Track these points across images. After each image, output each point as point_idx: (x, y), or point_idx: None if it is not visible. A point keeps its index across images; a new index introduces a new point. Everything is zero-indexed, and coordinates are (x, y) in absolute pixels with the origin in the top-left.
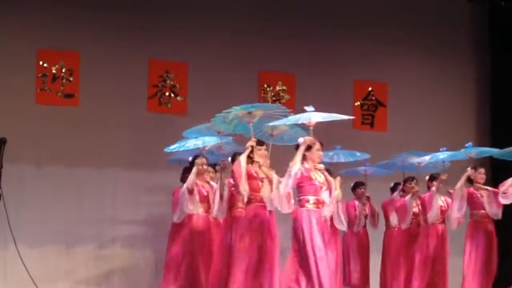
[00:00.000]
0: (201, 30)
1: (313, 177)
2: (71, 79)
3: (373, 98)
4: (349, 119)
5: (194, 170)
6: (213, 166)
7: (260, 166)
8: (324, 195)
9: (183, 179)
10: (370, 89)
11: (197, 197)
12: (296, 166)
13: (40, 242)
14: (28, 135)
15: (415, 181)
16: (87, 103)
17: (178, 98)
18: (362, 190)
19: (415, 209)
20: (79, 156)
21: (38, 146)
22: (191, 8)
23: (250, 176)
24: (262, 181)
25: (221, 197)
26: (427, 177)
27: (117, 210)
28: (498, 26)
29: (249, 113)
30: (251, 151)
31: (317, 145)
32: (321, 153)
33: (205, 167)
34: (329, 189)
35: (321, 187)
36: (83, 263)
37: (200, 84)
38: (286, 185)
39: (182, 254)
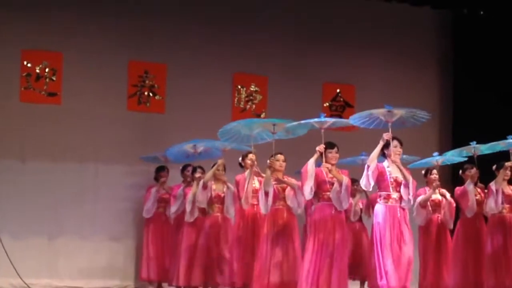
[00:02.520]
0: (179, 33)
1: (387, 173)
2: (54, 78)
3: (341, 99)
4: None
5: (213, 168)
6: (194, 168)
7: (330, 169)
8: (403, 190)
9: (156, 178)
10: (338, 91)
11: (209, 194)
12: (373, 163)
13: (23, 234)
14: (13, 132)
15: (474, 169)
16: (69, 101)
17: (157, 97)
18: (354, 186)
19: (477, 197)
20: (62, 151)
21: (22, 142)
22: (169, 13)
23: (319, 177)
24: (332, 182)
25: (266, 194)
26: (494, 166)
27: (98, 203)
28: (460, 32)
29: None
30: (321, 155)
31: (395, 142)
32: (399, 149)
33: (221, 171)
34: (407, 184)
35: (394, 183)
36: (65, 254)
37: (177, 84)
38: (367, 182)
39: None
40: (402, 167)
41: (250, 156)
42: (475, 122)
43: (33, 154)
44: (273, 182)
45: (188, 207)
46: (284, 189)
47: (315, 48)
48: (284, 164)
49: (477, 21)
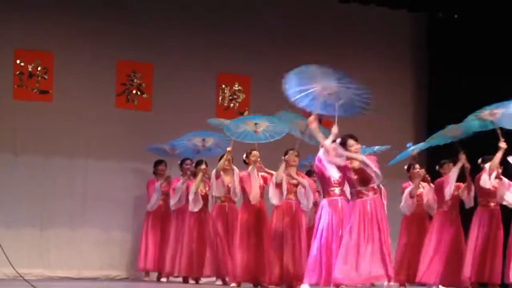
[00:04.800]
0: (166, 34)
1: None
2: (46, 76)
3: None
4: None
5: (224, 157)
6: (199, 161)
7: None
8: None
9: (155, 172)
10: None
11: (224, 183)
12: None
13: (15, 225)
14: (6, 128)
15: (451, 164)
16: (60, 99)
17: (144, 95)
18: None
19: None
20: (53, 147)
21: (15, 137)
22: (156, 15)
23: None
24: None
25: (277, 186)
26: (480, 160)
27: (88, 196)
28: (435, 34)
29: None
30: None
31: (351, 142)
32: (356, 147)
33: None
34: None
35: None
36: (56, 245)
37: (164, 83)
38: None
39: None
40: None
41: (254, 152)
42: (449, 121)
43: (25, 148)
44: (286, 177)
45: (191, 197)
46: (296, 185)
47: (296, 49)
48: (297, 159)
49: (452, 24)
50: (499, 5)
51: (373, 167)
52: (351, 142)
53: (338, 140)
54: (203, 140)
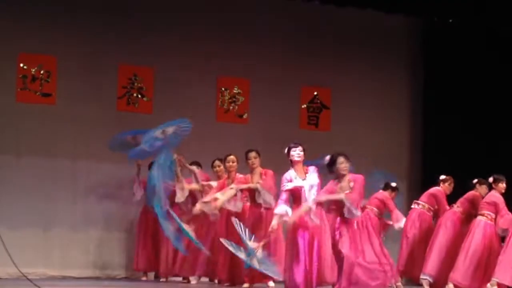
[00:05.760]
0: (166, 39)
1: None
2: (48, 80)
3: (318, 101)
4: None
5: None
6: None
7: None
8: None
9: None
10: (315, 93)
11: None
12: None
13: (19, 226)
14: (9, 130)
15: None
16: (63, 101)
17: (144, 99)
18: None
19: None
20: (55, 149)
21: (18, 140)
22: (157, 20)
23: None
24: None
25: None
26: (491, 179)
27: (90, 197)
28: (430, 38)
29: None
30: None
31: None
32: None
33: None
34: None
35: None
36: (59, 245)
37: (164, 86)
38: None
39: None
40: None
41: (229, 158)
42: (444, 124)
43: (28, 150)
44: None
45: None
46: (248, 190)
47: (294, 53)
48: (256, 161)
49: (446, 28)
50: (494, 9)
51: (353, 209)
52: (341, 159)
53: (327, 157)
54: (163, 131)
